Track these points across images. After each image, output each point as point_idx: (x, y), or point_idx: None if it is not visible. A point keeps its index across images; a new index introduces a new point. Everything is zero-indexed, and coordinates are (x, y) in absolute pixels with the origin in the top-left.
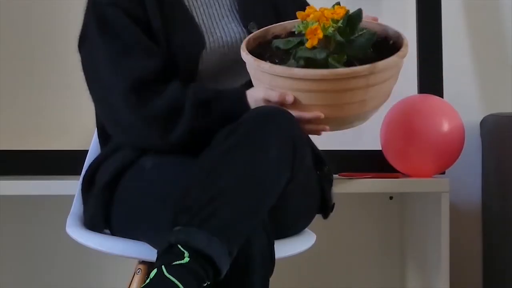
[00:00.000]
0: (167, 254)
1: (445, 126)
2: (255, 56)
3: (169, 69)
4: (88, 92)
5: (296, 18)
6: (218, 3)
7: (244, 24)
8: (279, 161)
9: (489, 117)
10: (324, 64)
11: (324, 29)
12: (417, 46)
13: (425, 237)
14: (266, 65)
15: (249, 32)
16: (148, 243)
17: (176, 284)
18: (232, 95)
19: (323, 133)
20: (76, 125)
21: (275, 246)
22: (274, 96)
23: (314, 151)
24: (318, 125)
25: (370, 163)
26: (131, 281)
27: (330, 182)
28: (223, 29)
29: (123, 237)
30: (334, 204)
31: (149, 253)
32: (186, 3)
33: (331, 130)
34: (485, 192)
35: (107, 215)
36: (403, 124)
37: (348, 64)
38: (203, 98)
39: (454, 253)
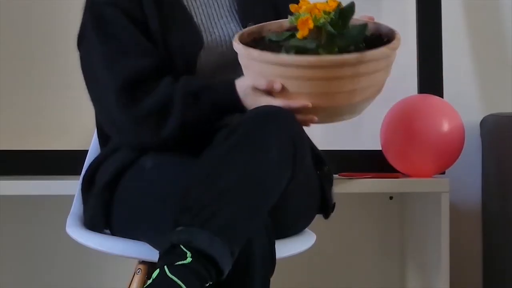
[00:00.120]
0: (169, 254)
1: (445, 126)
2: None
3: (167, 68)
4: (87, 91)
5: None
6: (217, 3)
7: (243, 24)
8: (280, 161)
9: (489, 117)
10: (314, 54)
11: (315, 20)
12: (417, 46)
13: (425, 237)
14: (255, 52)
15: None
16: (148, 243)
17: (179, 284)
18: (220, 85)
19: (322, 132)
20: (76, 125)
21: (275, 246)
22: (262, 83)
23: (314, 151)
24: (306, 115)
25: (370, 163)
26: (131, 281)
27: (330, 182)
28: (222, 29)
29: (123, 237)
30: (334, 204)
31: (149, 253)
32: (185, 3)
33: (321, 122)
34: (485, 192)
35: (107, 215)
36: (403, 124)
37: None
38: (192, 90)
39: (454, 253)
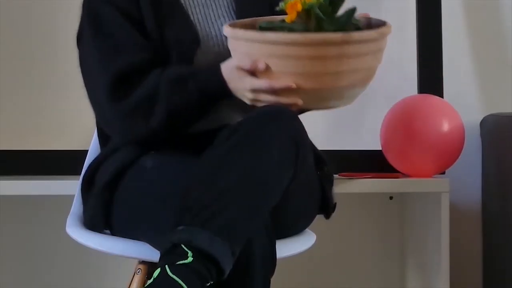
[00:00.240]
0: (170, 254)
1: (445, 126)
2: None
3: (164, 66)
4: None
5: None
6: (215, 3)
7: None
8: (281, 161)
9: (489, 117)
10: None
11: (304, 3)
12: (417, 46)
13: (425, 237)
14: (241, 31)
15: None
16: (148, 243)
17: (180, 284)
18: (205, 69)
19: (323, 132)
20: (76, 125)
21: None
22: (246, 63)
23: (314, 151)
24: (290, 97)
25: (370, 163)
26: (131, 281)
27: (330, 182)
28: (219, 29)
29: (123, 237)
30: (335, 203)
31: (149, 253)
32: (182, 2)
33: (306, 106)
34: (485, 192)
35: (107, 215)
36: (403, 124)
37: None
38: (177, 77)
39: (454, 253)
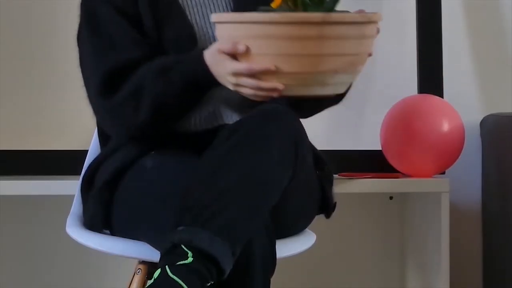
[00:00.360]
0: (170, 254)
1: (445, 126)
2: None
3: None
4: None
5: None
6: (213, 3)
7: None
8: (281, 161)
9: (489, 117)
10: None
11: None
12: (417, 46)
13: (425, 237)
14: (224, 14)
15: None
16: (148, 243)
17: (180, 284)
18: (188, 56)
19: (323, 132)
20: (76, 125)
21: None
22: (227, 46)
23: (313, 151)
24: (269, 82)
25: (370, 163)
26: (131, 281)
27: (330, 182)
28: None
29: (123, 237)
30: (336, 203)
31: (149, 253)
32: (180, 2)
33: (287, 93)
34: (485, 192)
35: (107, 215)
36: (403, 124)
37: None
38: (161, 67)
39: (454, 253)
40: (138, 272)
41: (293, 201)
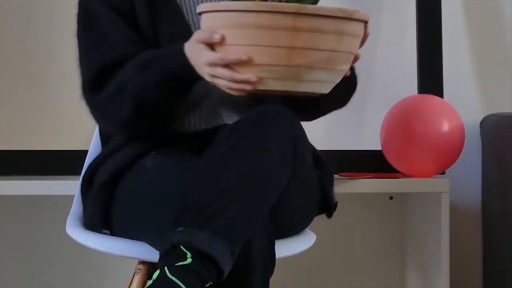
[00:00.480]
0: (169, 255)
1: (445, 126)
2: None
3: None
4: None
5: None
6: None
7: None
8: (280, 161)
9: (489, 117)
10: None
11: None
12: (417, 46)
13: (425, 237)
14: (204, 4)
15: None
16: (148, 243)
17: (179, 285)
18: (170, 48)
19: (323, 133)
20: (76, 125)
21: (275, 246)
22: (203, 35)
23: (313, 152)
24: (242, 73)
25: (370, 163)
26: (131, 281)
27: (331, 182)
28: None
29: (123, 237)
30: (337, 203)
31: (149, 253)
32: (178, 1)
33: (263, 87)
34: (485, 192)
35: (107, 215)
36: (403, 124)
37: None
38: (143, 59)
39: (454, 253)
40: (138, 272)
41: (292, 201)
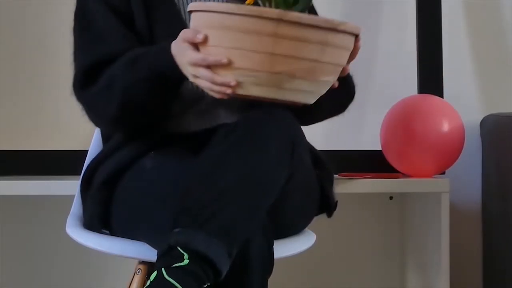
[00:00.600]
0: (166, 256)
1: (445, 126)
2: None
3: None
4: None
5: None
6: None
7: None
8: (279, 161)
9: (489, 117)
10: None
11: None
12: (417, 46)
13: (425, 237)
14: (193, 3)
15: None
16: (148, 243)
17: (176, 287)
18: (157, 46)
19: (323, 133)
20: (76, 125)
21: (275, 246)
22: (188, 34)
23: (312, 151)
24: (223, 77)
25: (370, 163)
26: (131, 281)
27: (330, 181)
28: None
29: (122, 237)
30: (337, 202)
31: (148, 253)
32: (176, 1)
33: (243, 92)
34: (485, 192)
35: (106, 215)
36: (403, 124)
37: None
38: (131, 56)
39: (454, 253)
40: (138, 272)
41: (292, 201)
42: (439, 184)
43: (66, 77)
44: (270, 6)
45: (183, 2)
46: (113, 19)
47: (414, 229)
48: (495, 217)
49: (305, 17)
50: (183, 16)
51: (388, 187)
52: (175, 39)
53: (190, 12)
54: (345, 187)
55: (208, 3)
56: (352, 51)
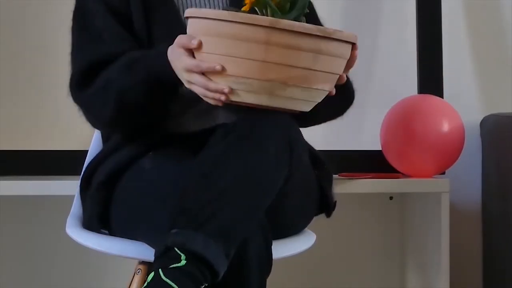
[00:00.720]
0: (164, 257)
1: (445, 126)
2: None
3: None
4: None
5: None
6: (210, 2)
7: None
8: (277, 161)
9: (489, 117)
10: None
11: None
12: (417, 46)
13: (425, 237)
14: (189, 9)
15: None
16: (148, 244)
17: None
18: (154, 50)
19: (323, 133)
20: (76, 125)
21: (274, 246)
22: (183, 40)
23: (311, 151)
24: (217, 83)
25: (370, 163)
26: (131, 281)
27: (329, 181)
28: None
29: (122, 237)
30: (336, 202)
31: (148, 253)
32: (175, 1)
33: (236, 99)
34: (485, 192)
35: (106, 215)
36: (403, 124)
37: None
38: (128, 59)
39: (454, 253)
40: (138, 272)
41: (291, 201)
42: (439, 184)
43: (66, 77)
44: (267, 13)
45: (182, 3)
46: (112, 19)
47: (414, 229)
48: (495, 217)
49: (297, 25)
50: (182, 18)
51: (388, 187)
52: (173, 38)
53: (187, 18)
54: (345, 187)
55: (203, 10)
56: (349, 59)
